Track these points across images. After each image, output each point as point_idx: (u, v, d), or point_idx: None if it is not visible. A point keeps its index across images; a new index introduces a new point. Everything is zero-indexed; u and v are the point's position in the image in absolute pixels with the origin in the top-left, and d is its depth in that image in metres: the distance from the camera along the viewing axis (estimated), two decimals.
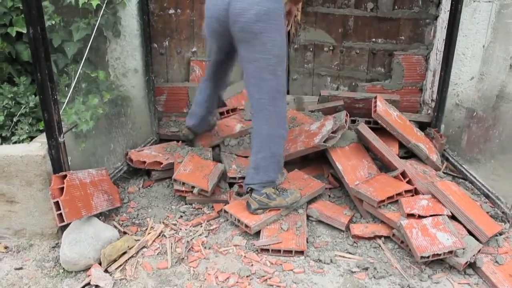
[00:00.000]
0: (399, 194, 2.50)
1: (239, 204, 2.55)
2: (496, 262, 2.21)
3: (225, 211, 2.53)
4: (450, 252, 2.14)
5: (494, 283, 2.08)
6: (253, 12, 2.17)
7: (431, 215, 2.35)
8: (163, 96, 3.66)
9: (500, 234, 2.40)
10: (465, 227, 2.35)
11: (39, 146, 2.27)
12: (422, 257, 2.13)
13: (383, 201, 2.45)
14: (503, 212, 2.56)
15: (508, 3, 2.78)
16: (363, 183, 2.59)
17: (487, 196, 2.73)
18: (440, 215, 2.35)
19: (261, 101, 2.34)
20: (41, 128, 2.45)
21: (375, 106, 2.96)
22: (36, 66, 2.04)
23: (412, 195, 2.54)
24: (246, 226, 2.40)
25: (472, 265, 2.20)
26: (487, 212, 2.53)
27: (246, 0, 2.18)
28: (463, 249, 2.15)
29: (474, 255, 2.17)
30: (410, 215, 2.37)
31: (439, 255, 2.13)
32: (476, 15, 3.02)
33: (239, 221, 2.44)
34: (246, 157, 3.06)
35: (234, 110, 3.60)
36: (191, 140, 3.17)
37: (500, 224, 2.47)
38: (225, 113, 3.54)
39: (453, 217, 2.40)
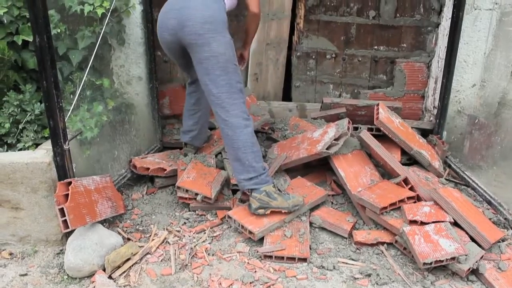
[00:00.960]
0: (402, 201, 2.51)
1: (243, 210, 2.57)
2: (499, 268, 2.21)
3: (229, 217, 2.54)
4: (453, 258, 2.15)
5: None
6: (198, 16, 2.41)
7: (433, 222, 2.36)
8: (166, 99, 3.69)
9: (503, 241, 2.40)
10: (467, 233, 2.36)
11: (44, 153, 2.28)
12: (424, 263, 2.13)
13: (386, 207, 2.45)
14: (505, 219, 2.57)
15: (509, 11, 2.80)
16: (365, 189, 2.60)
17: (489, 203, 2.74)
18: (442, 221, 2.36)
19: (219, 95, 2.48)
20: (46, 135, 2.47)
21: (377, 113, 2.97)
22: (42, 74, 2.07)
23: (415, 202, 2.55)
24: (250, 232, 2.41)
25: (474, 272, 2.21)
26: (490, 219, 2.54)
27: (192, 7, 2.43)
28: (466, 255, 2.16)
29: (476, 262, 2.17)
30: (413, 222, 2.38)
31: (442, 261, 2.14)
32: (477, 23, 3.05)
33: (242, 227, 2.46)
34: None
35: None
36: (195, 153, 3.16)
37: (502, 230, 2.47)
38: None
39: (455, 224, 2.41)
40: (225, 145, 2.58)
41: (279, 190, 2.61)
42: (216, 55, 2.43)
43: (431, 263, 2.14)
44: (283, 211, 2.52)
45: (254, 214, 2.51)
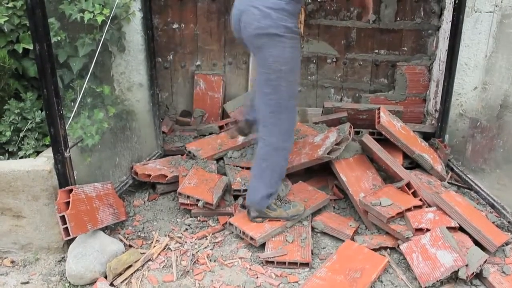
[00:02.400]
0: (408, 209, 2.50)
1: (244, 217, 2.56)
2: (503, 272, 2.20)
3: (230, 224, 2.54)
4: (453, 272, 2.13)
5: None
6: (254, 27, 2.21)
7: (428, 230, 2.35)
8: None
9: (507, 244, 2.38)
10: (471, 237, 2.34)
11: (45, 160, 2.29)
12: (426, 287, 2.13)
13: (393, 217, 2.44)
14: (508, 222, 2.56)
15: (509, 13, 2.80)
16: (370, 195, 2.58)
17: (492, 206, 2.72)
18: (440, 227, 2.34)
19: (263, 114, 2.35)
20: (47, 143, 2.48)
21: (379, 117, 2.96)
22: (43, 82, 2.08)
23: (420, 206, 2.53)
24: (251, 238, 2.40)
25: (478, 276, 2.19)
26: (493, 222, 2.53)
27: (251, 14, 2.21)
28: (466, 265, 2.13)
29: (480, 266, 2.16)
30: (418, 230, 2.36)
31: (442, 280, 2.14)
32: (478, 26, 3.04)
33: (244, 233, 2.45)
34: (249, 168, 3.06)
35: (235, 122, 3.62)
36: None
37: (506, 233, 2.45)
38: (225, 126, 3.56)
39: (460, 228, 2.39)
40: (257, 152, 2.47)
41: (279, 199, 2.59)
42: (269, 72, 2.24)
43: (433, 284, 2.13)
44: (282, 221, 2.52)
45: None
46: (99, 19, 2.57)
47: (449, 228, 2.34)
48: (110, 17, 2.67)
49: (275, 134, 2.35)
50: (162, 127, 3.53)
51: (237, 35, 2.40)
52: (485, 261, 2.19)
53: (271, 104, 2.30)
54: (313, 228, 2.58)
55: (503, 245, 2.35)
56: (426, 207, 2.56)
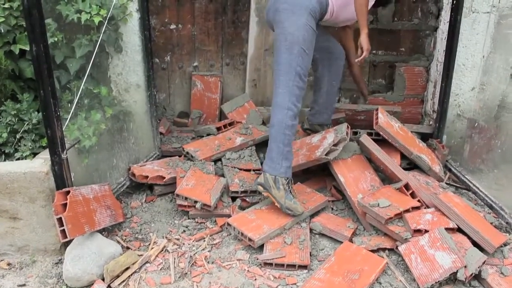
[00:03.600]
0: (406, 210, 2.49)
1: (242, 217, 2.55)
2: (502, 273, 2.19)
3: (228, 224, 2.53)
4: (451, 274, 2.13)
5: None
6: (281, 2, 2.62)
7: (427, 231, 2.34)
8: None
9: (505, 245, 2.38)
10: (470, 238, 2.34)
11: (42, 162, 2.27)
12: None
13: (391, 218, 2.43)
14: (507, 223, 2.56)
15: (507, 13, 2.80)
16: (368, 196, 2.58)
17: (490, 207, 2.72)
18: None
19: (277, 72, 2.59)
20: (44, 145, 2.46)
21: (377, 118, 2.96)
22: (39, 83, 2.06)
23: (418, 207, 2.53)
24: (250, 239, 2.39)
25: (477, 277, 2.18)
26: (491, 223, 2.52)
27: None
28: (464, 266, 2.13)
29: (479, 267, 2.15)
30: (417, 231, 2.35)
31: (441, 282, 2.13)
32: (476, 26, 3.04)
33: (242, 234, 2.44)
34: (247, 170, 3.06)
35: (232, 123, 3.61)
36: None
37: (505, 234, 2.45)
38: (223, 127, 3.55)
39: (458, 230, 2.39)
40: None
41: (290, 189, 2.59)
42: (285, 34, 2.55)
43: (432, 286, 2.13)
44: (276, 204, 2.55)
45: (253, 221, 2.50)
46: (96, 20, 2.56)
47: (447, 229, 2.34)
48: (107, 18, 2.65)
49: (284, 93, 2.55)
50: (160, 128, 3.52)
51: (268, 17, 2.78)
52: (483, 262, 2.19)
53: (283, 65, 2.55)
54: (311, 230, 2.58)
55: (501, 246, 2.35)
56: (425, 208, 2.56)
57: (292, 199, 2.55)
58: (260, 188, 2.58)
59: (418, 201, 2.57)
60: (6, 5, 2.48)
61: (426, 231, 2.34)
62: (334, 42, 3.16)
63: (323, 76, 3.18)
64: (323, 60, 3.12)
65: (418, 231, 2.36)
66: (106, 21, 2.65)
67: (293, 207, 2.53)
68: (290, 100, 2.54)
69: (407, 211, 2.48)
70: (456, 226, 2.38)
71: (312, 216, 2.67)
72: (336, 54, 3.15)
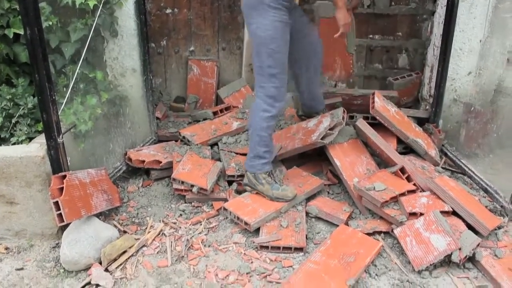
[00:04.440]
0: (402, 194, 2.50)
1: (239, 202, 2.56)
2: (495, 255, 2.22)
3: (225, 209, 2.54)
4: (446, 256, 2.15)
5: (493, 276, 2.08)
6: (245, 1, 2.50)
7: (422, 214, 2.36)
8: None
9: (499, 228, 2.40)
10: (465, 221, 2.36)
11: (38, 147, 2.27)
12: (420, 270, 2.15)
13: (387, 201, 2.44)
14: (501, 206, 2.57)
15: None
16: (364, 180, 2.58)
17: (485, 191, 2.74)
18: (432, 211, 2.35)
19: (255, 75, 2.56)
20: (39, 129, 2.46)
21: (373, 102, 2.96)
22: (34, 67, 2.05)
23: (414, 191, 2.54)
24: (246, 223, 2.41)
25: (471, 259, 2.21)
26: (486, 206, 2.54)
27: None
28: (459, 249, 2.15)
29: (473, 249, 2.18)
30: (412, 214, 2.37)
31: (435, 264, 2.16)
32: (473, 10, 3.02)
33: (238, 218, 2.45)
34: (244, 154, 3.06)
35: (228, 108, 3.61)
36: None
37: (499, 218, 2.47)
38: (219, 112, 3.55)
39: (453, 213, 2.41)
40: None
41: (274, 179, 2.60)
42: (253, 36, 2.51)
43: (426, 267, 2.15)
44: (267, 198, 2.58)
45: (249, 205, 2.51)
46: (91, 3, 2.54)
47: (442, 212, 2.36)
48: (102, 2, 2.64)
49: (260, 96, 2.53)
50: (156, 112, 3.51)
51: None
52: (478, 245, 2.21)
53: (256, 67, 2.53)
54: (307, 213, 2.59)
55: (495, 229, 2.37)
56: (420, 191, 2.57)
57: (279, 187, 2.57)
58: (248, 188, 2.66)
59: (414, 184, 2.59)
60: None
61: (422, 214, 2.35)
62: (313, 36, 2.91)
63: (300, 76, 3.00)
64: (301, 60, 2.91)
65: (413, 214, 2.37)
66: (101, 4, 2.63)
67: (281, 195, 2.55)
68: (266, 102, 2.51)
69: (402, 194, 2.49)
70: (451, 209, 2.40)
71: (308, 199, 2.68)
72: (315, 49, 2.94)
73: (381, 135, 2.83)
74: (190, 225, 2.54)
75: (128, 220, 2.57)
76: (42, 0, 2.46)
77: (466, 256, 2.15)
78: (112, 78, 3.08)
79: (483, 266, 2.15)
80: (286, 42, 2.52)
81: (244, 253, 2.31)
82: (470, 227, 2.33)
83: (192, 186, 2.67)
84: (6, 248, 2.35)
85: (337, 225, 2.48)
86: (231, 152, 3.08)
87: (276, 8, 2.42)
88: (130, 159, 2.96)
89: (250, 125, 2.63)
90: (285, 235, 2.36)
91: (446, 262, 2.21)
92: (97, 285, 2.09)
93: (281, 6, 2.44)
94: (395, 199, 2.48)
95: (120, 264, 2.22)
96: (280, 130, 3.23)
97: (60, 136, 2.21)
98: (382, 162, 2.89)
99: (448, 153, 3.18)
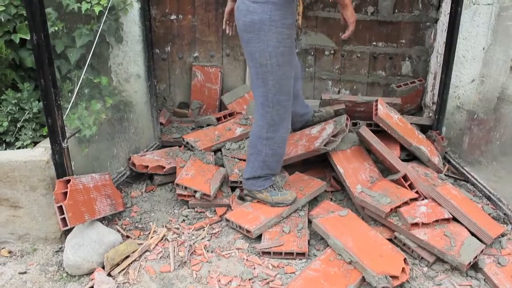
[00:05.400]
0: (405, 203, 2.49)
1: (240, 212, 2.56)
2: (499, 263, 2.21)
3: (227, 220, 2.54)
4: None
5: (496, 284, 2.08)
6: (241, 23, 2.27)
7: (434, 221, 2.35)
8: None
9: (503, 236, 2.40)
10: (467, 229, 2.35)
11: (42, 151, 2.29)
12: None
13: (391, 211, 2.43)
14: (505, 214, 2.57)
15: (508, 5, 2.79)
16: (366, 190, 2.56)
17: (488, 198, 2.74)
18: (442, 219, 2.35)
19: (254, 98, 2.44)
20: (44, 134, 2.47)
21: (376, 109, 2.97)
22: (40, 72, 2.07)
23: (416, 199, 2.54)
24: (247, 231, 2.41)
25: (474, 266, 2.20)
26: (489, 214, 2.54)
27: (240, 10, 2.27)
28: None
29: (476, 256, 2.17)
30: (414, 225, 2.35)
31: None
32: (476, 18, 3.03)
33: (240, 227, 2.46)
34: None
35: (232, 114, 3.62)
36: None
37: (502, 225, 2.47)
38: (223, 118, 3.56)
39: (455, 220, 2.40)
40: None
41: (273, 188, 2.59)
42: (257, 66, 2.29)
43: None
44: (268, 205, 2.57)
45: (250, 214, 2.52)
46: (97, 9, 2.57)
47: (443, 219, 2.36)
48: (108, 8, 2.66)
49: (262, 125, 2.43)
50: (160, 118, 3.53)
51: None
52: (481, 252, 2.21)
53: (259, 96, 2.37)
54: (310, 221, 2.59)
55: (499, 237, 2.37)
56: (423, 199, 2.56)
57: (278, 193, 2.57)
58: (248, 198, 2.66)
59: (416, 192, 2.58)
60: None
61: (423, 223, 2.34)
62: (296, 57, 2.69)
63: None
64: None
65: (415, 225, 2.35)
66: (107, 10, 2.65)
67: (281, 199, 2.55)
68: (269, 131, 2.41)
69: (405, 203, 2.48)
70: (451, 216, 2.39)
71: (311, 206, 2.68)
72: (298, 69, 2.81)
73: (384, 142, 2.84)
74: (193, 230, 2.54)
75: (131, 225, 2.58)
76: (48, 5, 2.49)
77: (469, 263, 2.15)
78: (117, 84, 3.10)
79: (486, 274, 2.15)
80: (294, 58, 2.41)
81: (247, 259, 2.31)
82: (473, 235, 2.32)
83: (195, 191, 2.68)
84: (10, 252, 2.36)
85: None
86: (234, 158, 3.09)
87: (279, 32, 2.21)
88: (133, 164, 2.97)
89: (250, 144, 2.52)
90: (287, 241, 2.36)
91: (449, 269, 2.21)
92: None
93: (284, 28, 2.23)
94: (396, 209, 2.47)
95: (123, 269, 2.22)
96: None
97: (65, 141, 2.23)
98: (385, 169, 2.89)
99: (451, 160, 3.19)
